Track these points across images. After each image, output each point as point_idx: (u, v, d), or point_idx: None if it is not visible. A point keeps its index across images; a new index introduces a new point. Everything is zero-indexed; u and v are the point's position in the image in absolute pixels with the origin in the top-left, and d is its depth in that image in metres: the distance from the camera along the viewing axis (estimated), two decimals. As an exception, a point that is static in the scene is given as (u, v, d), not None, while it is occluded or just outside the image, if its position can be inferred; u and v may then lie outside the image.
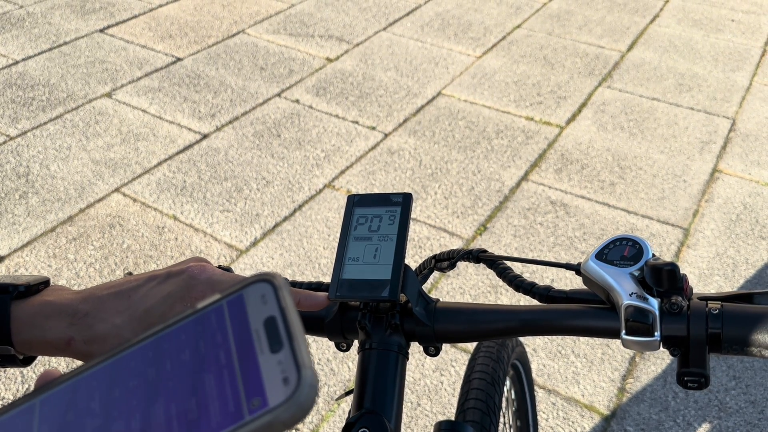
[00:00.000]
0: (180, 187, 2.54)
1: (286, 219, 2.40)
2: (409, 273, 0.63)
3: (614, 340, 1.97)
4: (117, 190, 2.52)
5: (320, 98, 3.12)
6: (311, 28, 3.76)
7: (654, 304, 0.56)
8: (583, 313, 0.60)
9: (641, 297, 0.56)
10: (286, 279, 0.33)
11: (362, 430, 0.56)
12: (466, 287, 2.12)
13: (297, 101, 3.09)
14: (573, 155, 2.79)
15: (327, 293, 0.60)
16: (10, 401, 0.32)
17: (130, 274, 0.59)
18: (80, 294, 0.52)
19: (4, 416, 0.32)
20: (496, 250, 2.29)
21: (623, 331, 0.56)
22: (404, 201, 0.65)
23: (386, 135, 2.88)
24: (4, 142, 2.76)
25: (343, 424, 0.57)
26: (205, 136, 2.83)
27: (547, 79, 3.35)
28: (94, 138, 2.80)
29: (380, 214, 0.65)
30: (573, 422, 1.76)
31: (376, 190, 2.54)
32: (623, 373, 1.89)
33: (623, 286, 0.57)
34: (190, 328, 0.32)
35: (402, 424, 1.78)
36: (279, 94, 3.14)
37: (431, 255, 0.75)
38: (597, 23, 3.95)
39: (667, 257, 2.29)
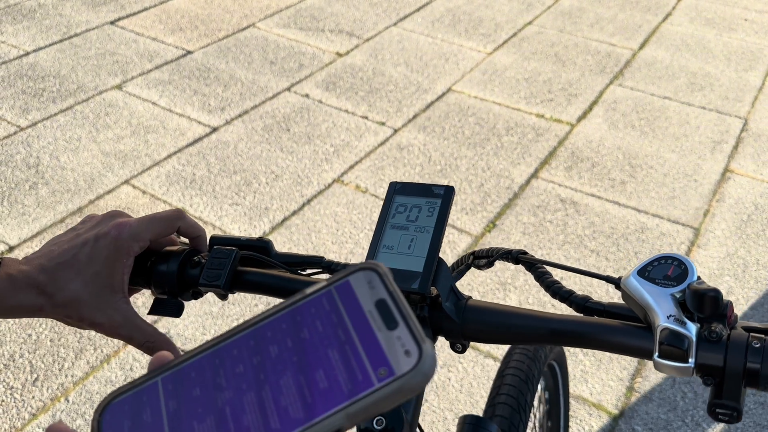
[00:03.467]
0: (189, 179, 2.54)
1: (294, 213, 2.40)
2: (443, 267, 0.61)
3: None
4: (126, 182, 2.52)
5: (330, 93, 3.11)
6: (322, 23, 3.75)
7: (692, 329, 0.53)
8: (616, 329, 0.58)
9: (679, 321, 0.54)
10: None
11: (378, 418, 0.55)
12: (474, 284, 2.12)
13: (307, 96, 3.09)
14: (583, 153, 2.78)
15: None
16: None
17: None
18: (33, 265, 0.60)
19: (130, 393, 0.35)
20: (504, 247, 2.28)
21: (656, 354, 0.54)
22: (445, 194, 0.64)
23: (396, 130, 2.87)
24: (15, 133, 2.76)
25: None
26: (214, 129, 2.83)
27: (558, 76, 3.33)
28: (104, 130, 2.80)
29: (420, 204, 0.64)
30: (581, 420, 1.75)
31: (384, 186, 2.53)
32: (632, 373, 1.88)
33: (662, 307, 0.55)
34: (304, 311, 0.35)
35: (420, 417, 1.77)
36: (289, 89, 3.13)
37: (470, 251, 0.74)
38: (609, 21, 3.93)
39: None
